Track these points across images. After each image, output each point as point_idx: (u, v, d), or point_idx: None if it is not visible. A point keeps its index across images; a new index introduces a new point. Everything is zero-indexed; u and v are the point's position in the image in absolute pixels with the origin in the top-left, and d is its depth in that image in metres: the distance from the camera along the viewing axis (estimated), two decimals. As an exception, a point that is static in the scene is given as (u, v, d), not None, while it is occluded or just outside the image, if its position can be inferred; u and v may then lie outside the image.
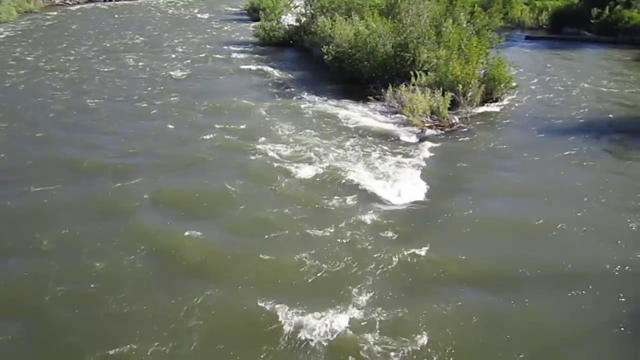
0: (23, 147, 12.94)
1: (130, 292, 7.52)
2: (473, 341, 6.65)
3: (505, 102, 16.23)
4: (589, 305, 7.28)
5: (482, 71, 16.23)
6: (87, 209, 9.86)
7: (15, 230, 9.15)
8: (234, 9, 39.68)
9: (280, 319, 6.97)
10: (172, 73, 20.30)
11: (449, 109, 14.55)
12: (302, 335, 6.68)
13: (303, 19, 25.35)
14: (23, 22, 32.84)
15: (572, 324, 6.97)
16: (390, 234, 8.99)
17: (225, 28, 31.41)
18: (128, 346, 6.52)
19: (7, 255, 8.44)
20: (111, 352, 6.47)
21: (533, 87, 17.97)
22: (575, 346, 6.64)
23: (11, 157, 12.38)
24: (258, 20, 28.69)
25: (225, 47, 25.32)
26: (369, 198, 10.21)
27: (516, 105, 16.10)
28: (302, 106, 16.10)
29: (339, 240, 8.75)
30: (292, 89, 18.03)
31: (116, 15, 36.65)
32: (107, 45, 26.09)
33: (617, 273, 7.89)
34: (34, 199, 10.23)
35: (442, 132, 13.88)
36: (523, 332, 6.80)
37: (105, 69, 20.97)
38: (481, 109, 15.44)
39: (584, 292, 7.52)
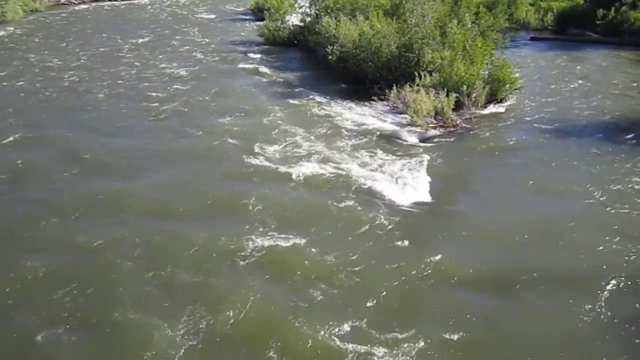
0: (20, 146, 13.03)
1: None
2: (476, 343, 6.64)
3: (509, 103, 16.16)
4: (593, 307, 7.25)
5: (487, 72, 16.19)
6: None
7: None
8: (238, 9, 39.69)
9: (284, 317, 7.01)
10: (176, 72, 20.33)
11: (453, 109, 14.53)
12: (298, 337, 6.72)
13: (307, 19, 25.33)
14: (28, 21, 32.96)
15: (576, 326, 6.95)
16: (392, 234, 8.98)
17: (230, 28, 31.42)
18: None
19: None
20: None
21: (538, 88, 17.88)
22: (578, 348, 6.62)
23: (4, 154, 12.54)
24: (262, 20, 28.66)
25: (229, 47, 25.32)
26: (371, 198, 10.21)
27: (521, 106, 16.03)
28: (306, 106, 16.10)
29: (339, 240, 8.76)
30: (296, 89, 18.02)
31: (121, 15, 36.72)
32: (112, 44, 26.13)
33: (622, 275, 7.85)
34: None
35: (446, 133, 13.86)
36: (527, 334, 6.78)
37: (109, 68, 20.99)
38: (485, 110, 15.38)
39: (587, 294, 7.51)
